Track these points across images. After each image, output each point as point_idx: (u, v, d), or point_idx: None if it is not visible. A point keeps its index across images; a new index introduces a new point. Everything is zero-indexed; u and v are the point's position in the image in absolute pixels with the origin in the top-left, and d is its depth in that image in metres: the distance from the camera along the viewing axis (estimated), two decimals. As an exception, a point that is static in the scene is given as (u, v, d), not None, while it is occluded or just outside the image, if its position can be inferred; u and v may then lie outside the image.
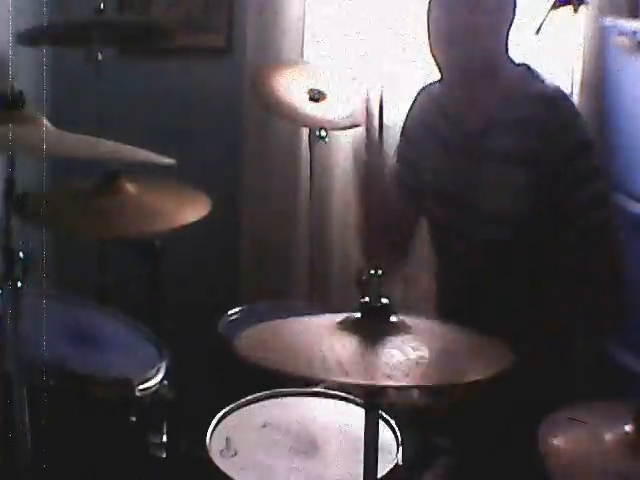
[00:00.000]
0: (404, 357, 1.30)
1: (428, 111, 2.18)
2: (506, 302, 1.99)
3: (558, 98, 1.98)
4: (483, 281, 2.04)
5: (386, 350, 1.33)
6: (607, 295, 1.95)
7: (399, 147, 2.27)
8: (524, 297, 2.00)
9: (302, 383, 1.93)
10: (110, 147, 1.46)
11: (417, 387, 1.24)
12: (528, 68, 2.04)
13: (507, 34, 2.02)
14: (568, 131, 1.94)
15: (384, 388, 1.29)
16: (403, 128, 2.27)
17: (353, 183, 2.19)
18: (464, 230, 2.06)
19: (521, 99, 1.98)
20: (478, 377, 1.26)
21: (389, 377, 1.24)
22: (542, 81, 2.01)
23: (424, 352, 1.33)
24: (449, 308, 2.19)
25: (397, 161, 2.25)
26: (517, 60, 2.07)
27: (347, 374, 1.25)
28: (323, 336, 1.37)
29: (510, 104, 1.98)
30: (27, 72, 2.63)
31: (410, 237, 2.28)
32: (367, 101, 1.98)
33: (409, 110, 2.25)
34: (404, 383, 1.25)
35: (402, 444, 1.76)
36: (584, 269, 1.95)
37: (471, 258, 2.06)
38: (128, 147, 1.44)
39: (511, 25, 2.01)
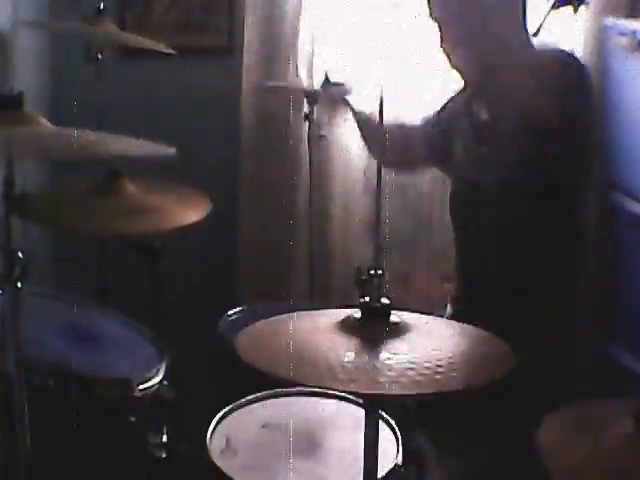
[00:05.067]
0: (406, 360, 1.30)
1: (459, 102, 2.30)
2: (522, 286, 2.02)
3: (570, 63, 2.09)
4: (498, 263, 2.06)
5: (387, 352, 1.32)
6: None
7: (434, 116, 2.42)
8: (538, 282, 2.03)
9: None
10: (110, 142, 1.46)
11: (420, 395, 1.24)
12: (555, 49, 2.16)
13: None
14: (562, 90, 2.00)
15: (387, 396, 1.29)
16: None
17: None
18: (482, 202, 2.09)
19: (535, 67, 2.04)
20: (479, 382, 1.26)
21: (393, 383, 1.25)
22: (560, 51, 2.12)
23: (425, 355, 1.33)
24: (465, 299, 2.20)
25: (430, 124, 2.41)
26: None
27: (351, 381, 1.25)
28: (324, 337, 1.37)
29: (526, 74, 2.03)
30: (27, 71, 2.63)
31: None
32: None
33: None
34: (407, 392, 1.25)
35: (406, 443, 1.77)
36: None
37: (489, 232, 2.09)
38: (128, 139, 1.43)
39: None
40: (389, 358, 1.30)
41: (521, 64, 2.05)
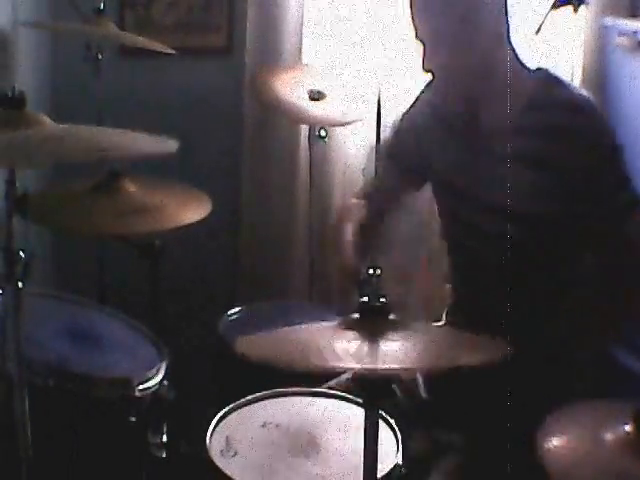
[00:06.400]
0: (403, 350, 1.31)
1: (437, 106, 2.14)
2: (520, 302, 1.98)
3: (584, 106, 1.94)
4: (496, 279, 2.02)
5: (385, 347, 1.33)
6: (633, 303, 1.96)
7: (399, 132, 2.26)
8: (538, 299, 2.01)
9: (302, 382, 1.93)
10: (112, 139, 1.45)
11: (415, 369, 1.26)
12: (548, 73, 1.99)
13: (507, 40, 1.97)
14: (596, 140, 1.90)
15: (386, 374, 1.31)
16: (406, 114, 2.24)
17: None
18: (477, 226, 2.05)
19: (544, 106, 1.94)
20: (471, 362, 1.27)
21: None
22: (566, 86, 1.98)
23: (419, 342, 1.34)
24: (462, 309, 2.18)
25: (395, 142, 2.27)
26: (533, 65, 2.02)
27: (354, 362, 1.26)
28: (323, 336, 1.37)
29: (531, 111, 1.94)
30: (27, 71, 2.63)
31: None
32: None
33: (417, 98, 2.22)
34: (404, 365, 1.27)
35: (407, 442, 1.77)
36: (613, 274, 1.95)
37: (484, 255, 2.05)
38: (130, 136, 1.43)
39: (509, 31, 1.97)
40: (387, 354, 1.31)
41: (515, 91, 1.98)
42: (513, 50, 1.99)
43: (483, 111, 2.01)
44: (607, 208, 1.92)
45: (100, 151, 1.44)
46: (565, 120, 1.92)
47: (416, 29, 1.96)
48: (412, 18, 1.96)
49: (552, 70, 2.01)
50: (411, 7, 1.96)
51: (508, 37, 1.97)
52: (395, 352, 1.31)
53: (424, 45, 1.95)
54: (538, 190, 1.93)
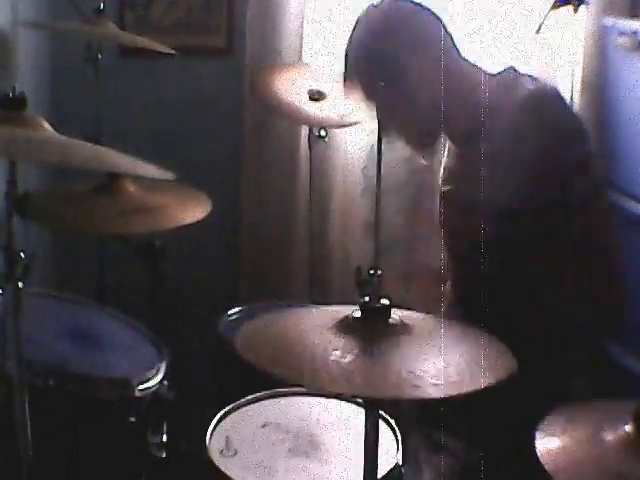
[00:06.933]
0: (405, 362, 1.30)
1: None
2: (517, 303, 1.98)
3: (539, 97, 1.97)
4: (489, 283, 2.02)
5: (386, 353, 1.32)
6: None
7: None
8: (527, 297, 2.01)
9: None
10: (109, 157, 1.45)
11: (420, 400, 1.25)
12: (509, 73, 2.02)
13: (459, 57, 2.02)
14: (544, 132, 1.91)
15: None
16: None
17: None
18: (469, 229, 2.05)
19: (504, 108, 1.96)
20: (479, 386, 1.26)
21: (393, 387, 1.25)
22: (525, 82, 2.00)
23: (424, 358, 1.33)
24: (461, 308, 2.19)
25: None
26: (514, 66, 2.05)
27: (350, 384, 1.25)
28: (323, 337, 1.37)
29: (494, 114, 1.95)
30: (27, 71, 2.63)
31: None
32: None
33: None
34: (407, 394, 1.25)
35: (404, 442, 1.77)
36: (574, 270, 1.95)
37: (475, 257, 2.05)
38: (127, 158, 1.43)
39: (458, 50, 2.01)
40: (387, 359, 1.30)
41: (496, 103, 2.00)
42: (467, 61, 2.03)
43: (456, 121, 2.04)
44: (568, 193, 1.91)
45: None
46: (519, 116, 1.93)
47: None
48: None
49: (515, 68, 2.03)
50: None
51: (459, 54, 2.02)
52: (394, 373, 1.30)
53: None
54: (506, 187, 1.93)
